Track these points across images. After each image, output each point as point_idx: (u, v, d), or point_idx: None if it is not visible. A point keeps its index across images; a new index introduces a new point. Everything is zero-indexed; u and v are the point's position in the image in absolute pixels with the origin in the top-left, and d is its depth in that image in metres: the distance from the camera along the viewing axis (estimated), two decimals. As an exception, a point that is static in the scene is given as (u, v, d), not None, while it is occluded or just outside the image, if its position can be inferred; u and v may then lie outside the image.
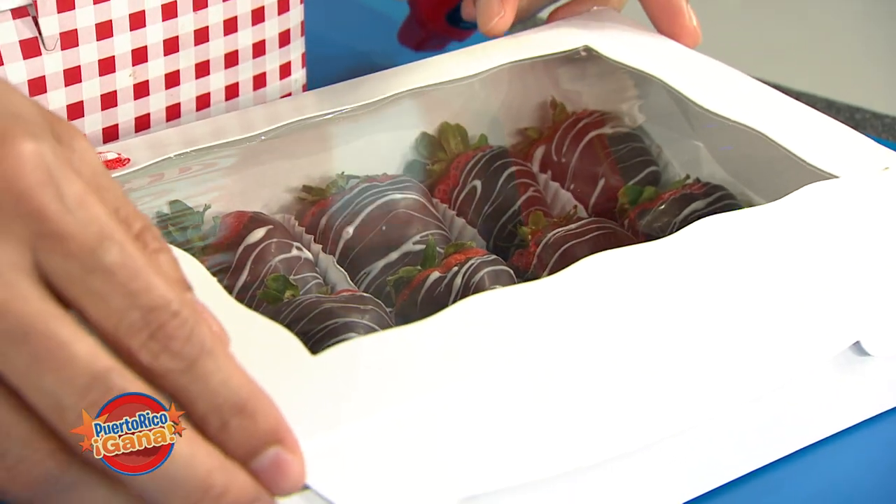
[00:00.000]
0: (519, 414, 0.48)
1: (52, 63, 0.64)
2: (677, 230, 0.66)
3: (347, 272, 0.63)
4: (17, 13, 0.63)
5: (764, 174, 0.66)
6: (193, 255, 0.62)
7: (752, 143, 0.65)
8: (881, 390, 0.61)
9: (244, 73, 0.72)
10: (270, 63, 0.73)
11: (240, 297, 0.61)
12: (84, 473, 0.41)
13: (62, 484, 0.41)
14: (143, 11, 0.66)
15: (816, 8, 1.78)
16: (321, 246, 0.65)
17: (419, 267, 0.63)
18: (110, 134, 0.68)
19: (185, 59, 0.69)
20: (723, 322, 0.53)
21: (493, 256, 0.62)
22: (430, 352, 0.49)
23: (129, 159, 0.62)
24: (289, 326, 0.57)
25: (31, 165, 0.40)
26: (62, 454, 0.41)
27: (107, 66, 0.66)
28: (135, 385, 0.41)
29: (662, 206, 0.68)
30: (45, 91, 0.64)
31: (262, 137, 0.65)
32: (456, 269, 0.61)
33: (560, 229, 0.65)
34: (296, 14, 0.73)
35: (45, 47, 0.64)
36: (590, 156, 0.71)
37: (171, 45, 0.68)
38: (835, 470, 0.58)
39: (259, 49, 0.72)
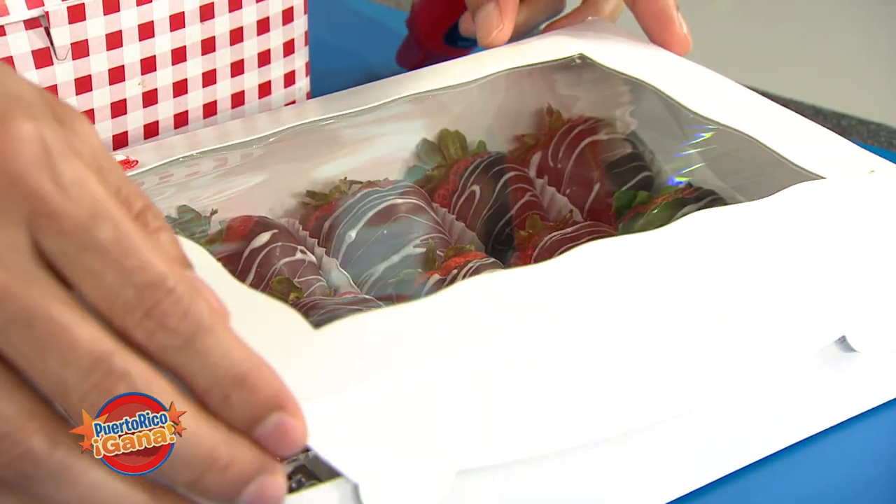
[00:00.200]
0: (515, 392, 0.48)
1: (64, 72, 0.64)
2: (670, 234, 0.66)
3: (350, 275, 0.63)
4: (30, 24, 0.62)
5: (753, 177, 0.66)
6: (201, 258, 0.63)
7: (742, 146, 0.65)
8: (866, 388, 0.61)
9: (250, 81, 0.72)
10: (275, 72, 0.73)
11: (246, 299, 0.61)
12: (73, 458, 0.40)
13: (48, 468, 0.40)
14: (152, 22, 0.66)
15: (804, 18, 1.78)
16: (325, 249, 0.65)
17: (420, 270, 0.62)
18: (120, 141, 0.68)
19: (193, 68, 0.69)
20: (709, 312, 0.52)
21: (492, 259, 0.62)
22: (432, 327, 0.49)
23: (136, 161, 0.62)
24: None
25: (27, 146, 0.40)
26: (50, 435, 0.40)
27: (117, 75, 0.66)
28: (137, 366, 0.40)
29: (655, 211, 0.67)
30: (56, 99, 0.64)
31: (271, 139, 0.65)
32: (455, 271, 0.61)
33: (556, 233, 0.64)
34: (300, 24, 0.72)
35: (56, 57, 0.63)
36: (585, 161, 0.71)
37: (178, 55, 0.68)
38: (823, 466, 0.58)
39: (264, 58, 0.72)
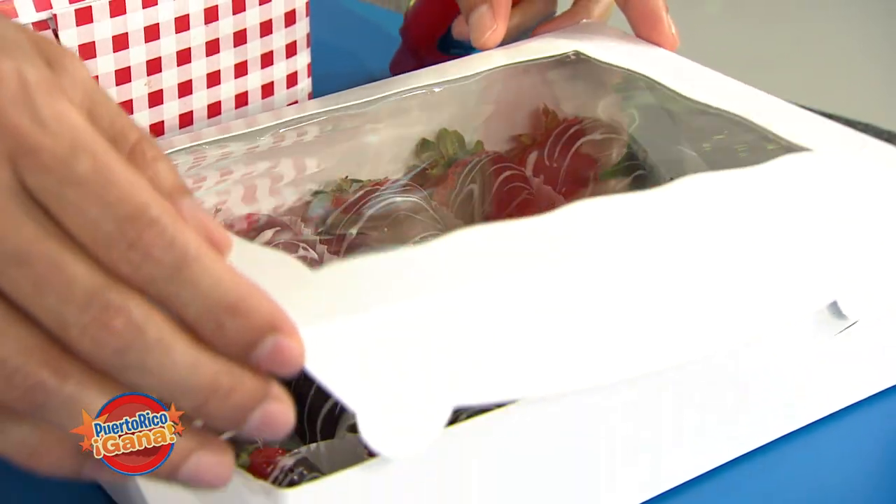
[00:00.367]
0: (513, 331, 0.47)
1: (71, 73, 0.64)
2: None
3: (351, 271, 0.63)
4: (38, 26, 0.62)
5: (745, 160, 0.66)
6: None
7: (734, 129, 0.64)
8: (854, 380, 0.60)
9: (253, 82, 0.71)
10: (278, 73, 0.72)
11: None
12: (82, 389, 0.40)
13: (59, 398, 0.39)
14: (158, 24, 0.66)
15: (793, 21, 1.78)
16: (326, 246, 0.65)
17: (419, 266, 0.62)
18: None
19: (197, 70, 0.69)
20: (701, 267, 0.52)
21: (489, 256, 0.62)
22: (432, 266, 0.48)
23: None
24: (296, 323, 0.57)
25: (4, 84, 0.39)
26: (59, 366, 0.39)
27: (123, 76, 0.66)
28: (133, 299, 0.39)
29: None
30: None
31: (271, 135, 0.65)
32: (454, 268, 0.61)
33: (552, 231, 0.64)
34: (302, 26, 0.72)
35: (64, 58, 0.63)
36: (580, 160, 0.71)
37: (183, 57, 0.68)
38: (812, 458, 0.58)
39: (267, 59, 0.72)
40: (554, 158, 0.71)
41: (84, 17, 0.63)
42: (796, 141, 0.60)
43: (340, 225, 0.65)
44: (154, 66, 0.67)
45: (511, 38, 0.75)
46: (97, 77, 0.65)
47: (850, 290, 0.55)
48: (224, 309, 0.40)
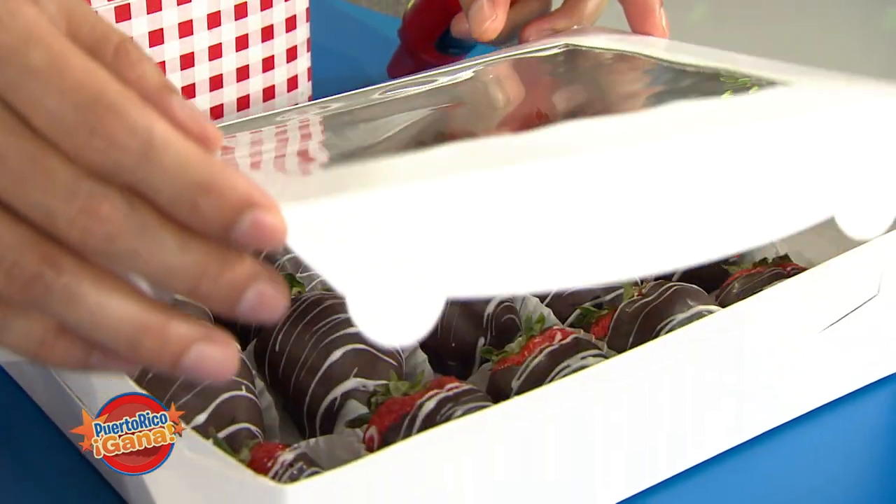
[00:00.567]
0: (508, 223, 0.45)
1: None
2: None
3: (349, 270, 0.62)
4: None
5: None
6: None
7: (724, 79, 0.63)
8: (841, 374, 0.60)
9: (254, 85, 0.71)
10: (279, 76, 0.72)
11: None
12: (78, 281, 0.39)
13: (57, 289, 0.39)
14: (161, 29, 0.65)
15: (779, 27, 1.77)
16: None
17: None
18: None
19: (200, 73, 0.68)
20: (695, 176, 0.49)
21: (484, 256, 0.61)
22: (427, 164, 0.47)
23: None
24: (296, 321, 0.56)
25: None
26: (54, 259, 0.39)
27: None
28: (113, 187, 0.38)
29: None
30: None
31: (274, 133, 0.64)
32: (449, 267, 0.60)
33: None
34: (302, 32, 0.72)
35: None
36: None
37: (187, 61, 0.67)
38: (801, 451, 0.58)
39: (268, 63, 0.71)
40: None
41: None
42: (790, 79, 0.58)
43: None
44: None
45: (507, 33, 0.74)
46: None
47: (845, 208, 0.52)
48: (196, 189, 0.38)
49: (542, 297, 0.61)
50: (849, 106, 0.53)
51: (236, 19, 0.69)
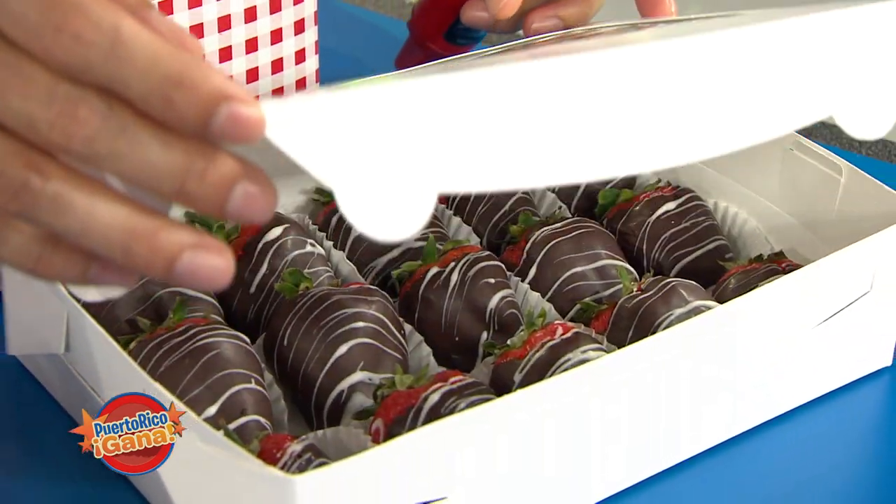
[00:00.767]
0: (501, 117, 0.42)
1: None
2: (650, 229, 0.65)
3: (356, 266, 0.62)
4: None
5: None
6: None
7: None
8: (837, 368, 0.60)
9: (264, 87, 0.71)
10: (288, 78, 0.72)
11: (258, 289, 0.60)
12: (66, 188, 0.38)
13: (46, 197, 0.38)
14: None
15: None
16: (332, 242, 0.64)
17: (420, 262, 0.62)
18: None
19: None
20: (694, 73, 0.47)
21: (487, 252, 0.61)
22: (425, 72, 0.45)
23: None
24: (304, 315, 0.56)
25: None
26: (40, 167, 0.38)
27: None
28: (90, 88, 0.38)
29: (637, 207, 0.67)
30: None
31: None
32: (453, 263, 0.60)
33: (546, 228, 0.64)
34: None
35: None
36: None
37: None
38: (791, 444, 0.58)
39: (277, 65, 0.71)
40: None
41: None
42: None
43: (346, 222, 0.64)
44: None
45: (515, 19, 0.72)
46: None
47: (847, 107, 0.50)
48: (168, 83, 0.37)
49: (543, 293, 0.61)
50: (850, 7, 0.51)
51: (245, 23, 0.68)
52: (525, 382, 0.53)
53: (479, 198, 0.67)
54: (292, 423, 0.56)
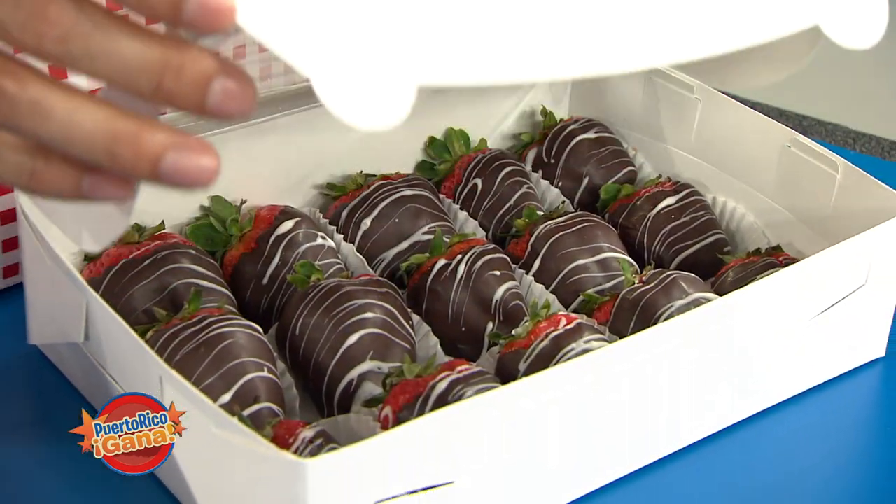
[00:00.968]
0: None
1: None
2: (651, 223, 0.65)
3: (365, 259, 0.62)
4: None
5: None
6: (232, 243, 0.62)
7: None
8: (824, 359, 0.60)
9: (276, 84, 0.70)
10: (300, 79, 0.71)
11: (271, 280, 0.60)
12: (43, 93, 0.38)
13: (25, 103, 0.38)
14: None
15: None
16: (343, 236, 0.64)
17: (428, 254, 0.62)
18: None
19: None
20: None
21: (493, 245, 0.61)
22: None
23: None
24: (315, 306, 0.56)
25: None
26: (16, 74, 0.37)
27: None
28: None
29: (638, 202, 0.67)
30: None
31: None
32: (460, 256, 0.60)
33: (550, 221, 0.64)
34: None
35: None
36: (575, 157, 0.70)
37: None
38: (781, 437, 0.58)
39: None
40: (552, 155, 0.71)
41: None
42: None
43: (355, 216, 0.64)
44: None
45: None
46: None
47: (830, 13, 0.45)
48: None
49: (547, 284, 0.61)
50: None
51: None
52: (529, 371, 0.53)
53: (485, 193, 0.67)
54: (304, 410, 0.56)
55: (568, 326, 0.55)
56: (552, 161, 0.71)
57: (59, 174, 0.39)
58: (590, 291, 0.61)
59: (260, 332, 0.55)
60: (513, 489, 0.51)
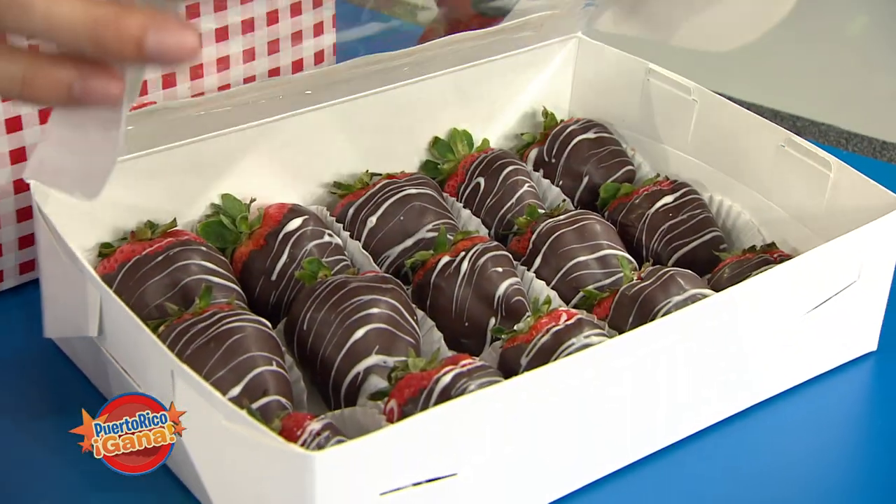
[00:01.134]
0: None
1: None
2: (649, 221, 0.65)
3: (371, 256, 0.62)
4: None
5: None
6: (241, 240, 0.62)
7: None
8: (824, 353, 0.60)
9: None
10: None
11: (279, 277, 0.60)
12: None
13: (3, 2, 0.38)
14: (200, 34, 0.64)
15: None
16: (349, 233, 0.64)
17: (432, 251, 0.62)
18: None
19: (236, 75, 0.68)
20: None
21: (495, 243, 0.61)
22: None
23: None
24: (322, 302, 0.56)
25: None
26: None
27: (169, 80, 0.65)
28: None
29: (637, 200, 0.67)
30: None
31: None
32: (463, 253, 0.60)
33: (551, 219, 0.63)
34: (329, 38, 0.71)
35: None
36: (576, 157, 0.70)
37: (222, 63, 0.67)
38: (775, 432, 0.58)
39: (298, 66, 0.71)
40: (552, 155, 0.71)
41: None
42: None
43: (362, 214, 0.64)
44: (196, 73, 0.66)
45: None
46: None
47: None
48: None
49: (548, 281, 0.61)
50: None
51: (268, 25, 0.68)
52: (531, 366, 0.53)
53: (488, 192, 0.67)
54: (311, 403, 0.56)
55: (569, 322, 0.55)
56: (553, 161, 0.71)
57: (50, 80, 0.40)
58: (590, 287, 0.61)
59: (269, 327, 0.55)
60: (515, 481, 0.50)
